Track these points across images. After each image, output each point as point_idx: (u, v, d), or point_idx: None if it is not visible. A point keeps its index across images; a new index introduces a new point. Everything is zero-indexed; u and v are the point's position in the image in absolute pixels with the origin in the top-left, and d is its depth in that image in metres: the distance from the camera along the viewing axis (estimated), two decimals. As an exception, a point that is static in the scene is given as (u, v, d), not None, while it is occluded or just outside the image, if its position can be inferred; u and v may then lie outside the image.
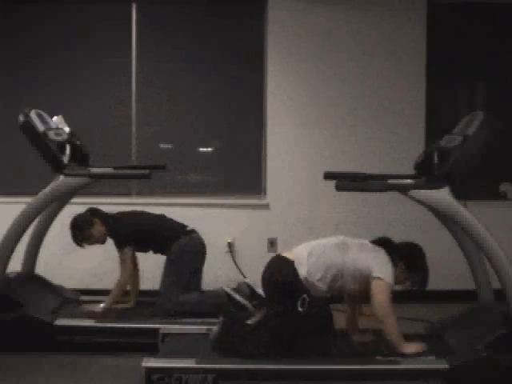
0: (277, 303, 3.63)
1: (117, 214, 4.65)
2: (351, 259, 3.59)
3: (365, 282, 3.58)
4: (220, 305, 4.20)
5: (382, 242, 3.72)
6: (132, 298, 4.71)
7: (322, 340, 3.63)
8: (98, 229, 4.51)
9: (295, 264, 3.57)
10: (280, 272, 3.62)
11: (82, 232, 4.50)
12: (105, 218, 4.56)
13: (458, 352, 3.59)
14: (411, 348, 3.59)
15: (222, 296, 4.28)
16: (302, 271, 3.56)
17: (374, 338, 3.90)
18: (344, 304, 3.95)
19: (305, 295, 3.53)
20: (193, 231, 4.59)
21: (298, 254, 3.63)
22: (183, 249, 4.45)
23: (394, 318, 3.57)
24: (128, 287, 4.65)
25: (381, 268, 3.56)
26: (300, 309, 3.51)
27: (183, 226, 4.60)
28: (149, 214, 4.70)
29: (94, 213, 4.57)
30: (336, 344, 3.73)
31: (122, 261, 4.49)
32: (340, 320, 3.96)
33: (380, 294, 3.53)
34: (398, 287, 3.72)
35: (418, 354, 3.57)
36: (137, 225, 4.56)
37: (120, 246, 4.48)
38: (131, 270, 4.55)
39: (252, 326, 3.72)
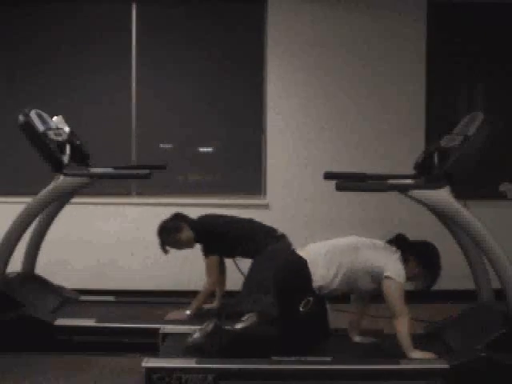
0: (282, 301, 3.63)
1: (203, 217, 4.56)
2: (363, 259, 3.60)
3: (378, 281, 3.59)
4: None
5: (397, 240, 3.73)
6: (217, 299, 4.65)
7: (317, 340, 3.63)
8: (186, 234, 4.44)
9: (309, 263, 3.57)
10: (292, 271, 3.63)
11: (170, 237, 4.42)
12: (193, 223, 4.48)
13: (458, 352, 3.59)
14: (418, 354, 3.56)
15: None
16: (317, 271, 3.56)
17: (374, 340, 3.91)
18: (347, 304, 3.95)
19: (310, 297, 3.54)
20: (283, 236, 4.47)
21: (313, 253, 3.63)
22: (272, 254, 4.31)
23: (407, 318, 3.56)
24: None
25: (392, 267, 3.56)
26: (302, 309, 3.51)
27: (273, 231, 4.48)
28: (238, 218, 4.57)
29: (181, 218, 4.49)
30: (332, 344, 3.73)
31: (209, 266, 4.43)
32: (341, 320, 3.97)
33: (392, 293, 3.54)
34: (409, 287, 3.72)
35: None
36: (227, 232, 4.45)
37: (207, 252, 4.44)
38: (217, 276, 4.48)
39: (238, 331, 3.70)
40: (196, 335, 3.61)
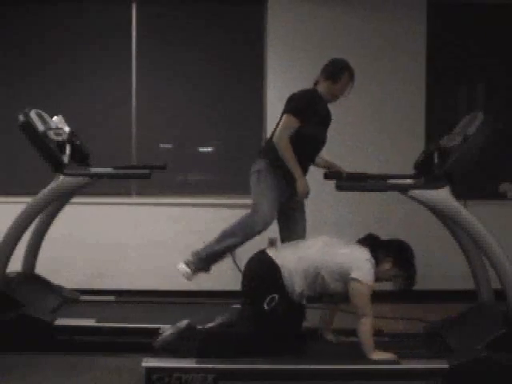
0: (248, 299, 3.69)
1: None
2: (330, 260, 3.58)
3: (344, 282, 3.57)
4: None
5: (368, 240, 3.71)
6: None
7: (288, 340, 3.61)
8: None
9: (280, 266, 3.58)
10: (263, 272, 3.65)
11: None
12: None
13: (458, 352, 3.59)
14: (379, 355, 3.56)
15: None
16: (285, 271, 3.56)
17: (346, 339, 3.90)
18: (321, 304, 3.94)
19: (275, 295, 3.53)
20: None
21: (282, 254, 3.65)
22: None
23: (370, 319, 3.55)
24: None
25: (358, 268, 3.53)
26: (266, 307, 3.52)
27: None
28: None
29: None
30: (305, 344, 3.74)
31: None
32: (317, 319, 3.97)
33: (358, 295, 3.53)
34: (388, 287, 3.73)
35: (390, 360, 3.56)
36: None
37: None
38: None
39: (209, 330, 3.74)
40: (167, 333, 3.62)
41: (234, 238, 3.94)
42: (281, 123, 3.89)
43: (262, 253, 3.73)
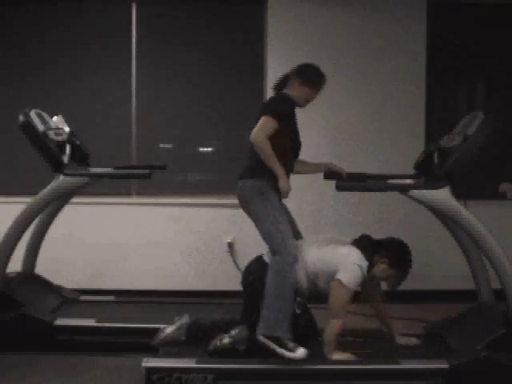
0: (248, 302, 3.68)
1: None
2: (323, 260, 3.60)
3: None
4: None
5: (362, 241, 3.70)
6: None
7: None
8: None
9: None
10: (254, 272, 3.68)
11: None
12: None
13: (458, 352, 3.59)
14: (338, 355, 3.57)
15: None
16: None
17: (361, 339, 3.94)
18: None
19: (299, 298, 3.58)
20: None
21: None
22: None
23: (341, 322, 3.56)
24: None
25: (345, 270, 3.53)
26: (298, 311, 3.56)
27: None
28: None
29: None
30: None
31: None
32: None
33: (337, 296, 3.53)
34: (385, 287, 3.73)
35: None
36: None
37: None
38: None
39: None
40: (170, 329, 3.67)
41: (279, 297, 3.53)
42: (258, 124, 3.71)
43: (257, 258, 3.76)
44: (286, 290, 3.51)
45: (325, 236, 3.81)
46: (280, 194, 3.69)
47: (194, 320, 3.76)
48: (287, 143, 3.77)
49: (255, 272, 3.68)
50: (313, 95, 3.85)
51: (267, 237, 3.62)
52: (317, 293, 3.67)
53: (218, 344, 3.60)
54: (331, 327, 3.55)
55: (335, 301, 3.53)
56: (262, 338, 3.47)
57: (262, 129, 3.66)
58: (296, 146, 3.90)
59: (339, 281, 3.51)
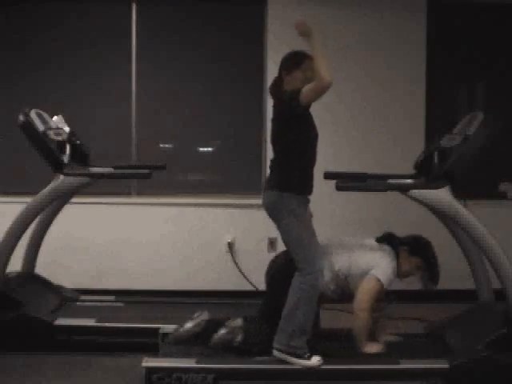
0: (271, 298, 3.70)
1: None
2: (357, 261, 3.64)
3: None
4: None
5: (386, 238, 3.75)
6: None
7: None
8: None
9: None
10: (278, 270, 3.70)
11: None
12: None
13: (458, 352, 3.60)
14: (372, 348, 3.65)
15: None
16: None
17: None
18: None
19: None
20: None
21: None
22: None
23: (369, 316, 3.61)
24: None
25: (380, 268, 3.63)
26: None
27: None
28: None
29: None
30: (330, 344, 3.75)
31: None
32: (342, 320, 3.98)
33: (368, 290, 3.60)
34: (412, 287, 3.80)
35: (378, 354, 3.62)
36: None
37: None
38: None
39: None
40: (187, 326, 3.69)
41: (299, 314, 3.47)
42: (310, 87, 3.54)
43: (281, 254, 3.78)
44: (309, 309, 3.47)
45: (348, 238, 3.86)
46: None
47: (212, 317, 3.78)
48: (312, 135, 3.77)
49: (281, 267, 3.70)
50: (306, 74, 3.67)
51: (296, 253, 3.53)
52: (341, 296, 3.73)
53: (215, 336, 3.62)
54: (359, 322, 3.62)
55: (365, 293, 3.60)
56: (277, 353, 3.47)
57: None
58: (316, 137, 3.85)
59: (374, 275, 3.60)
